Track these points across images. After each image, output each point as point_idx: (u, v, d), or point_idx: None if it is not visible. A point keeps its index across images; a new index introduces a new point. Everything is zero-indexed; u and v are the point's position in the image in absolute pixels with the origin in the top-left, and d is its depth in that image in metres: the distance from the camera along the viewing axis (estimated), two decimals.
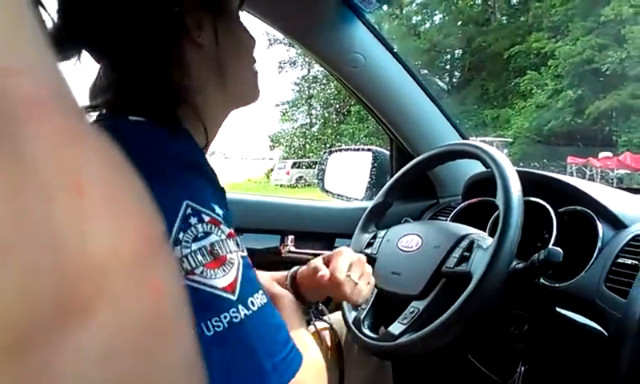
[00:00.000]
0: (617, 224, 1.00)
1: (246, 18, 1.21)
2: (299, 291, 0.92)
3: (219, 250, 0.51)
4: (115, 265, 0.17)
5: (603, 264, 0.95)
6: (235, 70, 0.72)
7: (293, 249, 1.42)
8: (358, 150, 1.70)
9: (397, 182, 1.20)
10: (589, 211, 1.04)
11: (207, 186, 0.55)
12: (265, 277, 0.93)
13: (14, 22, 0.16)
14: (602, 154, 14.56)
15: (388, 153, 1.59)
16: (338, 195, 1.66)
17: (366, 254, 1.15)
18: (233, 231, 0.55)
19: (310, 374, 0.58)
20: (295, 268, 0.97)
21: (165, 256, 0.20)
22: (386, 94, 1.38)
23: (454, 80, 22.95)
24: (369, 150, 1.62)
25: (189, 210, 0.51)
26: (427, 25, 23.20)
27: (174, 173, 0.53)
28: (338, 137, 19.96)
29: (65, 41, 0.62)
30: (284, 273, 0.99)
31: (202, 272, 0.49)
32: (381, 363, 1.20)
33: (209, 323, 0.49)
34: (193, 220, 0.51)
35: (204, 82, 0.68)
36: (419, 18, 23.32)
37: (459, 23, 22.26)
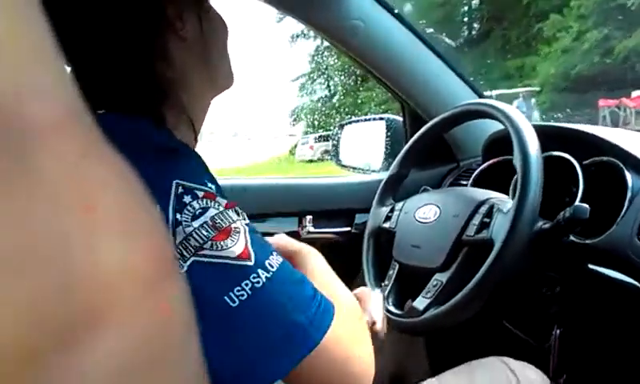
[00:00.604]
0: None
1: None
2: None
3: (221, 222, 0.49)
4: (125, 284, 0.17)
5: (634, 215, 0.89)
6: (217, 58, 0.70)
7: (312, 229, 1.39)
8: (370, 119, 1.64)
9: (410, 151, 1.15)
10: (616, 161, 0.98)
11: (196, 165, 0.54)
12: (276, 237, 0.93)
13: (30, 43, 0.16)
14: (634, 93, 13.98)
15: (401, 120, 1.53)
16: (354, 168, 1.62)
17: (385, 229, 1.12)
18: (231, 202, 0.53)
19: (345, 320, 0.56)
20: None
21: (174, 277, 0.20)
22: (390, 58, 1.32)
23: (474, 33, 22.29)
24: (381, 118, 1.56)
25: (180, 189, 0.49)
26: None
27: (161, 158, 0.51)
28: (359, 105, 19.67)
29: None
30: None
31: (211, 245, 0.48)
32: (412, 337, 1.17)
33: (232, 295, 0.47)
34: (187, 198, 0.49)
35: (189, 74, 0.66)
36: None
37: None
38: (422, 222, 1.01)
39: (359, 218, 1.44)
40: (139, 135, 0.54)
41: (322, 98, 22.76)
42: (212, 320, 0.47)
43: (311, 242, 1.38)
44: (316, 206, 1.42)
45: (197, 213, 0.49)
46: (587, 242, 0.95)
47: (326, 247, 1.42)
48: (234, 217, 0.51)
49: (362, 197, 1.44)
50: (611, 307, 0.92)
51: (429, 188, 1.17)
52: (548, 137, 1.11)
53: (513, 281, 0.94)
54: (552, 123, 1.15)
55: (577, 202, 0.99)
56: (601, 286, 0.93)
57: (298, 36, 23.54)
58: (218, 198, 0.51)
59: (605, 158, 1.01)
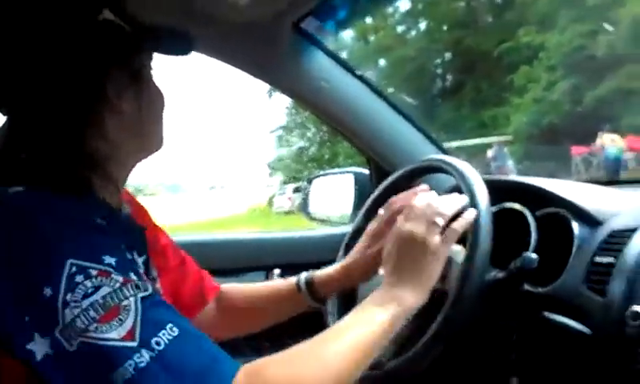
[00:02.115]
0: (592, 222, 0.99)
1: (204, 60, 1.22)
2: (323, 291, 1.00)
3: (111, 301, 0.51)
4: None
5: (581, 264, 0.93)
6: (150, 129, 0.74)
7: None
8: (338, 173, 1.69)
9: (372, 205, 1.19)
10: (564, 212, 1.03)
11: (96, 238, 0.55)
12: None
13: None
14: None
15: (368, 172, 1.59)
16: (324, 221, 1.65)
17: None
18: (129, 277, 0.54)
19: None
20: (305, 274, 1.01)
21: None
22: (354, 116, 1.38)
23: (447, 84, 22.99)
24: (348, 172, 1.61)
25: (73, 269, 0.51)
26: (413, 33, 23.32)
27: (55, 235, 0.53)
28: (334, 157, 19.90)
29: None
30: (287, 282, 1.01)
31: (96, 328, 0.50)
32: None
33: (115, 375, 0.49)
34: (79, 277, 0.51)
35: (122, 146, 0.68)
36: (404, 26, 23.44)
37: (445, 27, 22.36)
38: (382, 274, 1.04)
39: None
40: (32, 209, 0.55)
41: (298, 149, 22.96)
42: None
43: None
44: (283, 259, 1.44)
45: (88, 291, 0.51)
46: (540, 290, 0.99)
47: None
48: (129, 293, 0.53)
49: (329, 249, 1.46)
50: (565, 354, 0.95)
51: None
52: (502, 190, 1.16)
53: (470, 330, 0.97)
54: (504, 177, 1.21)
55: (528, 252, 1.04)
56: (555, 333, 0.96)
57: (274, 89, 23.87)
58: (115, 275, 0.53)
59: (554, 210, 1.06)
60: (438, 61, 23.28)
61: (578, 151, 14.80)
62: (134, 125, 0.69)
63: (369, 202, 1.19)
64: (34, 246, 0.52)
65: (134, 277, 0.55)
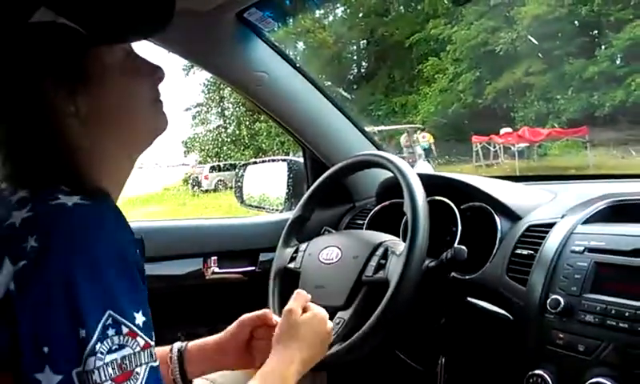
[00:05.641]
0: (512, 216, 1.10)
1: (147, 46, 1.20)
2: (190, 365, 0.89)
3: (128, 364, 0.53)
4: None
5: (503, 255, 1.04)
6: (130, 119, 0.68)
7: (217, 270, 1.42)
8: (272, 161, 1.72)
9: (312, 196, 1.24)
10: (487, 206, 1.14)
11: (131, 285, 0.56)
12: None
13: None
14: (503, 130, 15.48)
15: (302, 161, 1.63)
16: (258, 208, 1.68)
17: (290, 269, 1.18)
18: (149, 341, 0.56)
19: None
20: (178, 344, 0.89)
21: None
22: (293, 108, 1.42)
23: (362, 70, 23.44)
24: (283, 160, 1.65)
25: (109, 321, 0.52)
26: (330, 18, 23.45)
27: (102, 272, 0.53)
28: (254, 136, 19.69)
29: None
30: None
31: None
32: (314, 373, 1.24)
33: None
34: (111, 331, 0.52)
35: (100, 144, 0.65)
36: (322, 11, 23.48)
37: (360, 15, 22.70)
38: (325, 263, 1.09)
39: (263, 257, 1.48)
40: (86, 234, 0.54)
41: (216, 127, 22.40)
42: None
43: (216, 282, 1.41)
44: (221, 246, 1.45)
45: (113, 347, 0.52)
46: (466, 277, 1.09)
47: (231, 287, 1.46)
48: (144, 360, 0.55)
49: (265, 236, 1.49)
50: (488, 336, 1.06)
51: (331, 229, 1.26)
52: (431, 184, 1.25)
53: (406, 315, 1.05)
54: (435, 173, 1.30)
55: (456, 243, 1.14)
56: (478, 317, 1.07)
57: (192, 66, 23.12)
58: (139, 337, 0.55)
59: (478, 204, 1.17)
60: (354, 47, 23.63)
61: (477, 139, 15.73)
62: (102, 122, 0.65)
63: (310, 192, 1.24)
64: (87, 282, 0.52)
65: (151, 341, 0.56)
